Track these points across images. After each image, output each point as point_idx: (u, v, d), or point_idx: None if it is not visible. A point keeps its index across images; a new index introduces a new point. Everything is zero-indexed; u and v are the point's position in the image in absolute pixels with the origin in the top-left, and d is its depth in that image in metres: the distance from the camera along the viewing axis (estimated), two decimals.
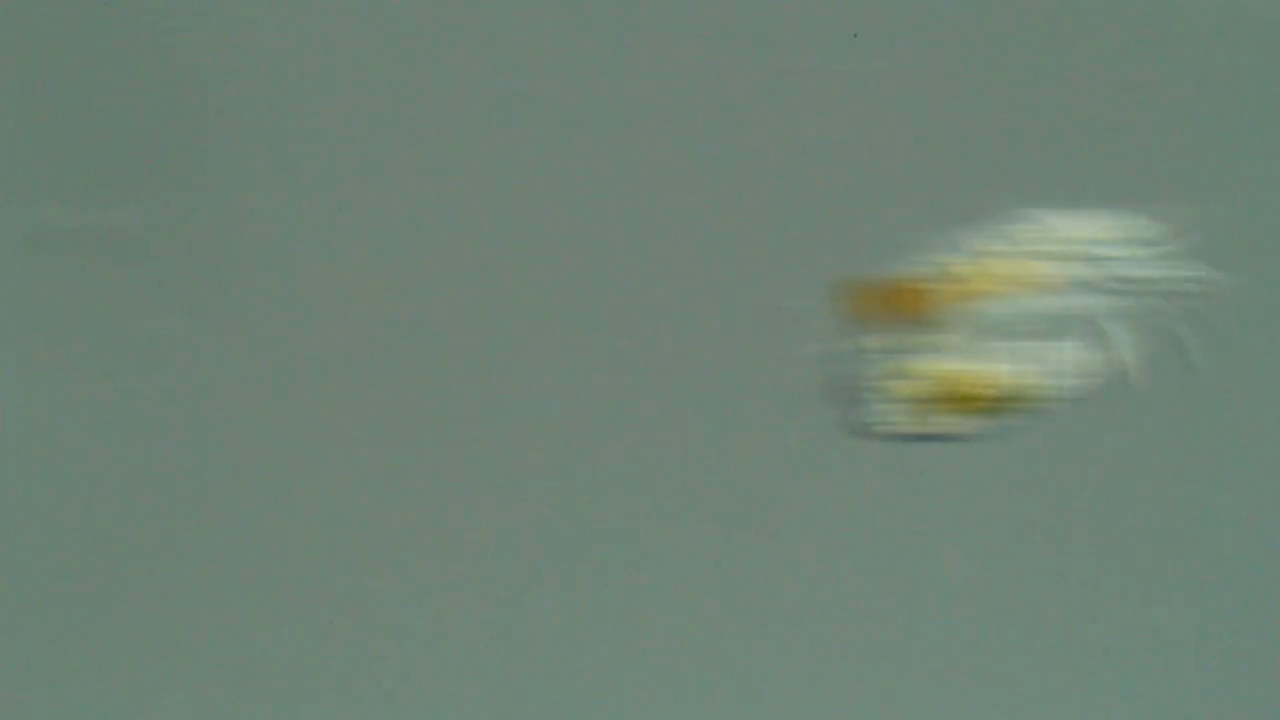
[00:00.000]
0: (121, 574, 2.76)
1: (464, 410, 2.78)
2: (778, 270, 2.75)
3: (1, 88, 2.80)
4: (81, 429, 2.77)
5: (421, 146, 2.79)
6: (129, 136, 2.79)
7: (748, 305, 2.76)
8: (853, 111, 2.78)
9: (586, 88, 2.81)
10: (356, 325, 2.78)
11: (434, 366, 2.78)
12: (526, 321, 2.80)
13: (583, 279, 2.80)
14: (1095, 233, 2.76)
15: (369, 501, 2.75)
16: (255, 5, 2.80)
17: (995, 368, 2.75)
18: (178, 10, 2.79)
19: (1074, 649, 2.75)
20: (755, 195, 2.78)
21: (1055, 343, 2.76)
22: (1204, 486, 2.76)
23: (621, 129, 2.80)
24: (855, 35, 2.77)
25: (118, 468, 2.77)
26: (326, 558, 2.75)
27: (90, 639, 2.75)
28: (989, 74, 2.78)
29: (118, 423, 2.77)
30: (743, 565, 2.76)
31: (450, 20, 2.81)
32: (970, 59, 2.79)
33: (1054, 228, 2.76)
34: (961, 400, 2.73)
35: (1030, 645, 2.75)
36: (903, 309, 2.73)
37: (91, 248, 2.78)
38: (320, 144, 2.80)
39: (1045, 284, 2.76)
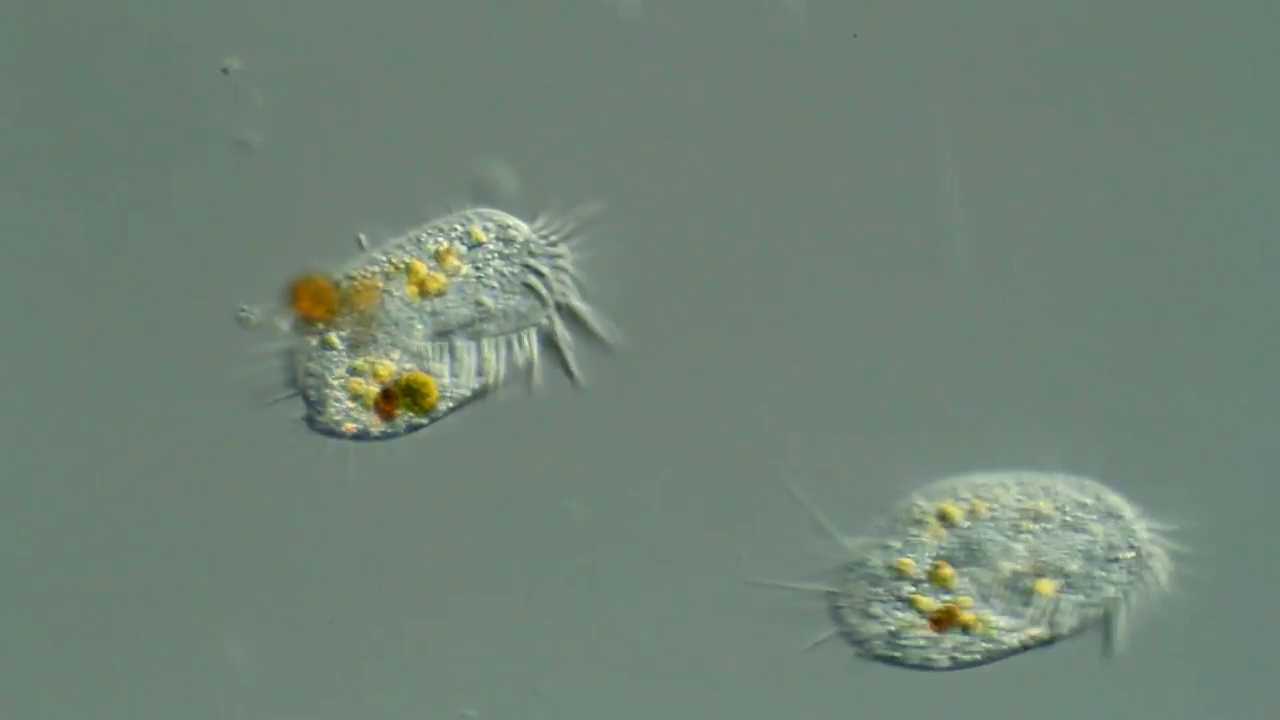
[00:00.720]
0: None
1: None
2: (229, 270, 2.78)
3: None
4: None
5: None
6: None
7: (201, 305, 2.79)
8: (300, 113, 2.81)
9: None
10: None
11: None
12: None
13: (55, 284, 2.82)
14: (514, 234, 2.79)
15: None
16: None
17: (431, 365, 2.78)
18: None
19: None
20: (207, 195, 2.80)
21: (476, 342, 2.79)
22: (614, 482, 2.82)
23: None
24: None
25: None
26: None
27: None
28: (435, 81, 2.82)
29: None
30: (202, 560, 2.80)
31: None
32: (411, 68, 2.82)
33: (479, 229, 2.79)
34: (405, 397, 2.77)
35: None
36: (345, 307, 2.75)
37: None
38: None
39: (467, 285, 2.79)
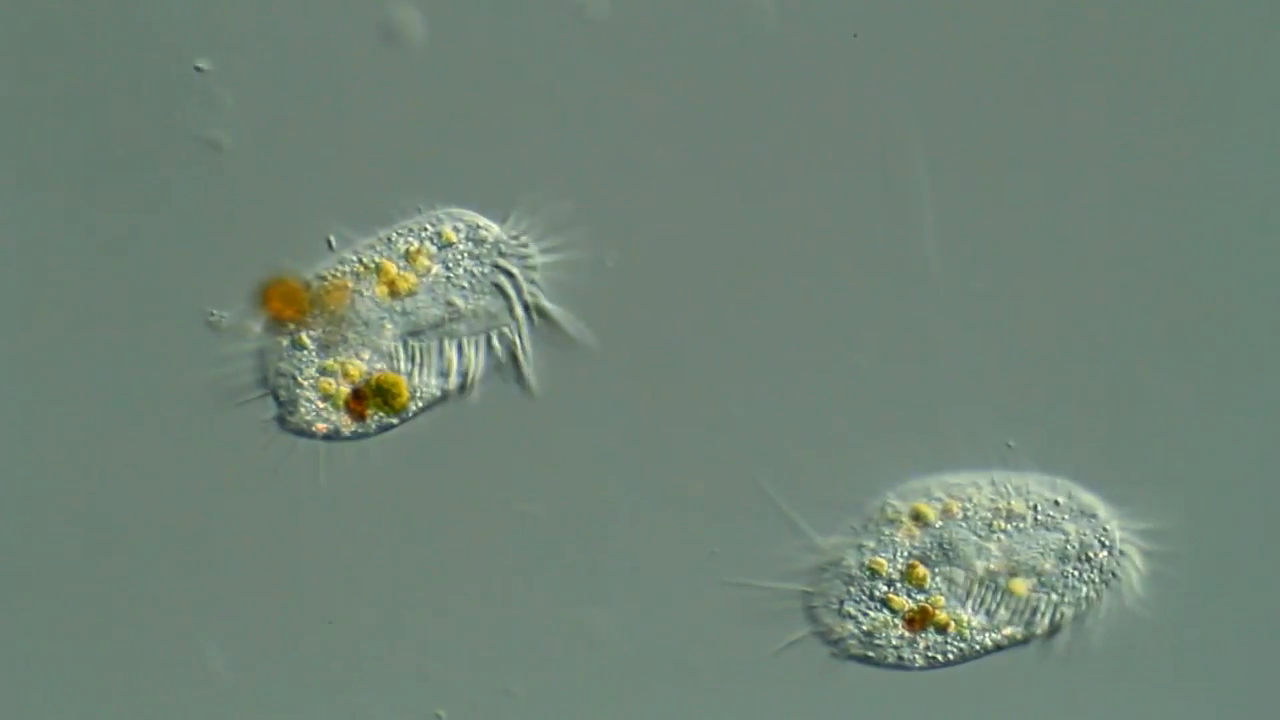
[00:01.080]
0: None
1: None
2: (199, 270, 2.79)
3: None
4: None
5: None
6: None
7: (171, 306, 2.79)
8: (270, 113, 2.81)
9: None
10: None
11: None
12: None
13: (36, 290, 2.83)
14: (485, 234, 2.79)
15: None
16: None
17: (400, 365, 2.78)
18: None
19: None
20: (176, 195, 2.81)
21: (446, 342, 2.79)
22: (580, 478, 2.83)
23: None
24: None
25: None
26: None
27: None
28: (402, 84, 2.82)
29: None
30: (170, 561, 2.80)
31: None
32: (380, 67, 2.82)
33: (450, 229, 2.79)
34: (376, 397, 2.77)
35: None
36: (316, 307, 2.76)
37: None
38: None
39: (437, 285, 2.79)
